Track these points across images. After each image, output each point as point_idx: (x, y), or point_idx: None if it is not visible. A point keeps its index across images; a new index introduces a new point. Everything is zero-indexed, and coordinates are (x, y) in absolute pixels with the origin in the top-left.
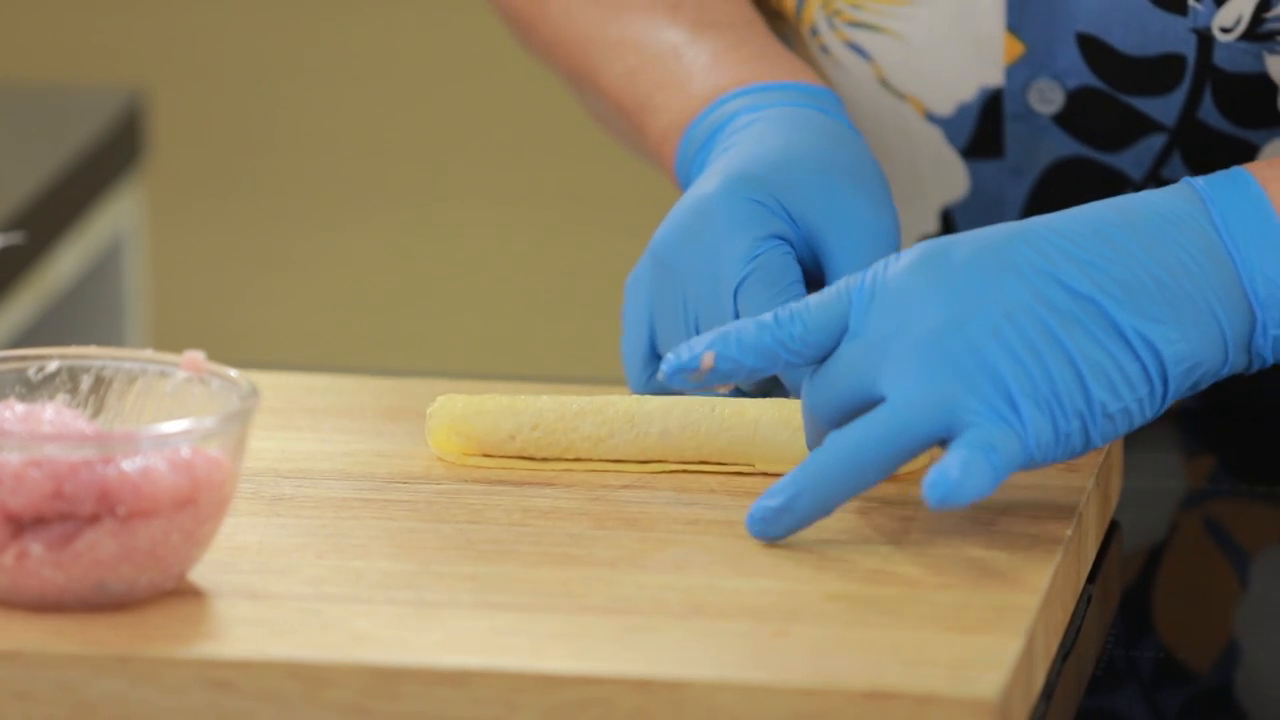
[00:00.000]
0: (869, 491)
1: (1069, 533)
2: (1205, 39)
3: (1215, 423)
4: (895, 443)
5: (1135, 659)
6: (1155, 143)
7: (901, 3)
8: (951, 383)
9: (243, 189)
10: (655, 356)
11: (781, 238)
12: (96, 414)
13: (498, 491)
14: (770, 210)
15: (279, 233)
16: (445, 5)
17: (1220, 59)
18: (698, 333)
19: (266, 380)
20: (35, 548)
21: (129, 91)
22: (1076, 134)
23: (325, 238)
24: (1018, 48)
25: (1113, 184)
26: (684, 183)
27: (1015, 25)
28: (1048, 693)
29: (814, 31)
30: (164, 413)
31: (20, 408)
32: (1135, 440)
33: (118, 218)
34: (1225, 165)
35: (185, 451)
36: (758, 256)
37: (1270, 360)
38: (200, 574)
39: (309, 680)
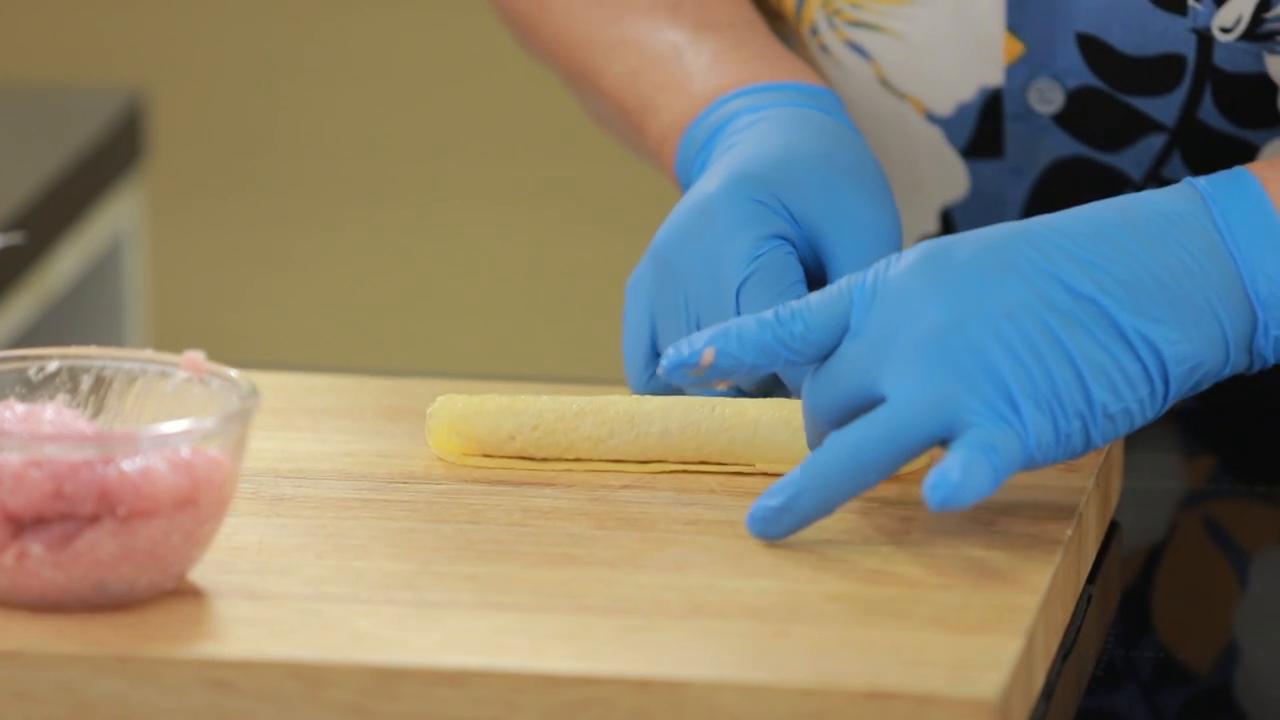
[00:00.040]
0: (869, 491)
1: (1069, 533)
2: (1205, 39)
3: (1215, 423)
4: (896, 443)
5: (1135, 659)
6: (1155, 143)
7: (901, 2)
8: (952, 383)
9: (243, 189)
10: (656, 357)
11: (783, 237)
12: (96, 414)
13: (498, 491)
14: (772, 210)
15: (279, 233)
16: (445, 5)
17: (1220, 59)
18: None
19: (266, 380)
20: (35, 548)
21: (129, 91)
22: (1076, 134)
23: (325, 238)
24: (1017, 47)
25: (1112, 184)
26: (684, 183)
27: (1015, 25)
28: (1048, 693)
29: (814, 31)
30: (164, 413)
31: (20, 408)
32: (1135, 440)
33: (118, 218)
34: (1225, 165)
35: (185, 451)
36: (760, 256)
37: (1272, 360)
38: (200, 574)
39: (309, 680)
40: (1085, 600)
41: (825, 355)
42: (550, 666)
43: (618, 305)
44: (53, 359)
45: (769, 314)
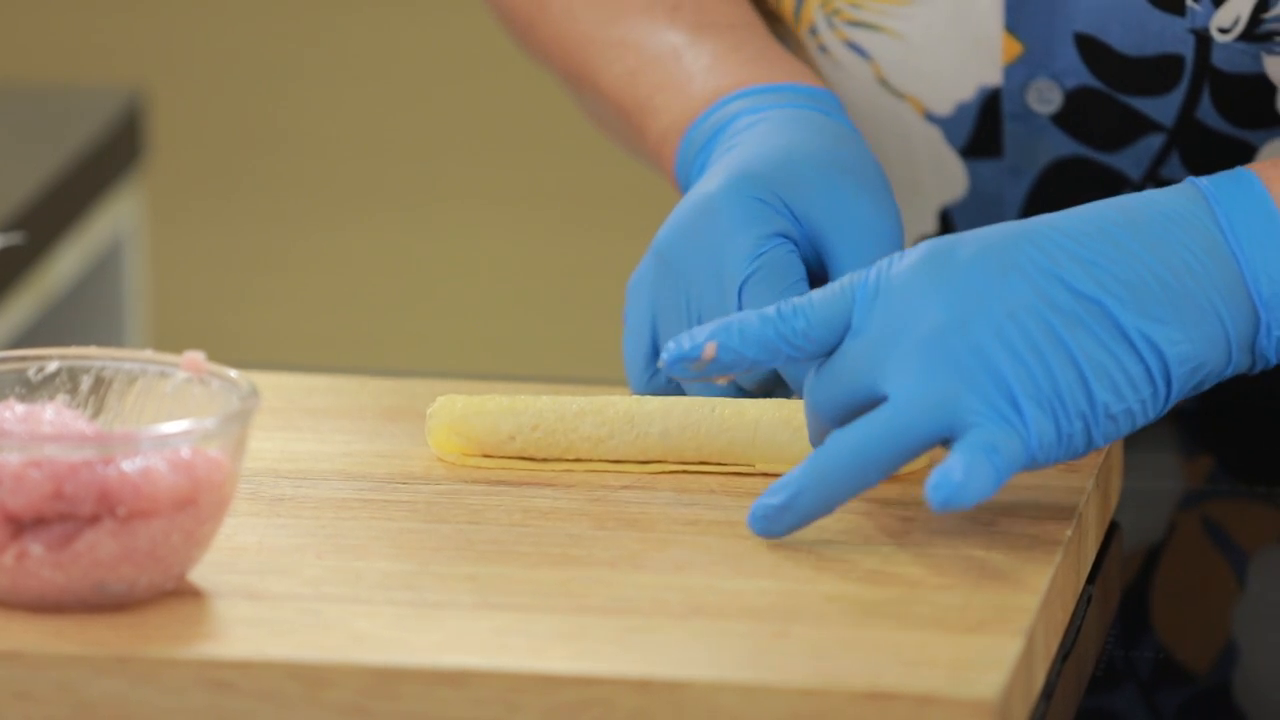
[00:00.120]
0: (870, 491)
1: (1069, 533)
2: (1203, 39)
3: (1214, 423)
4: (897, 442)
5: (1134, 659)
6: (1154, 143)
7: (900, 2)
8: (954, 383)
9: (243, 189)
10: (657, 357)
11: (785, 236)
12: (96, 414)
13: (498, 492)
14: (774, 209)
15: (279, 233)
16: (445, 5)
17: (1218, 59)
18: None
19: (266, 380)
20: (35, 548)
21: (129, 91)
22: (1075, 134)
23: (325, 238)
24: (1016, 48)
25: (1111, 184)
26: (683, 184)
27: (1014, 25)
28: (1047, 693)
29: (813, 31)
30: (164, 413)
31: (20, 408)
32: (1135, 440)
33: (118, 218)
34: (1224, 166)
35: (185, 452)
36: (762, 254)
37: (1274, 360)
38: (200, 574)
39: (309, 680)
40: (1085, 600)
41: (826, 352)
42: (550, 667)
43: (618, 305)
44: (53, 359)
45: (771, 309)
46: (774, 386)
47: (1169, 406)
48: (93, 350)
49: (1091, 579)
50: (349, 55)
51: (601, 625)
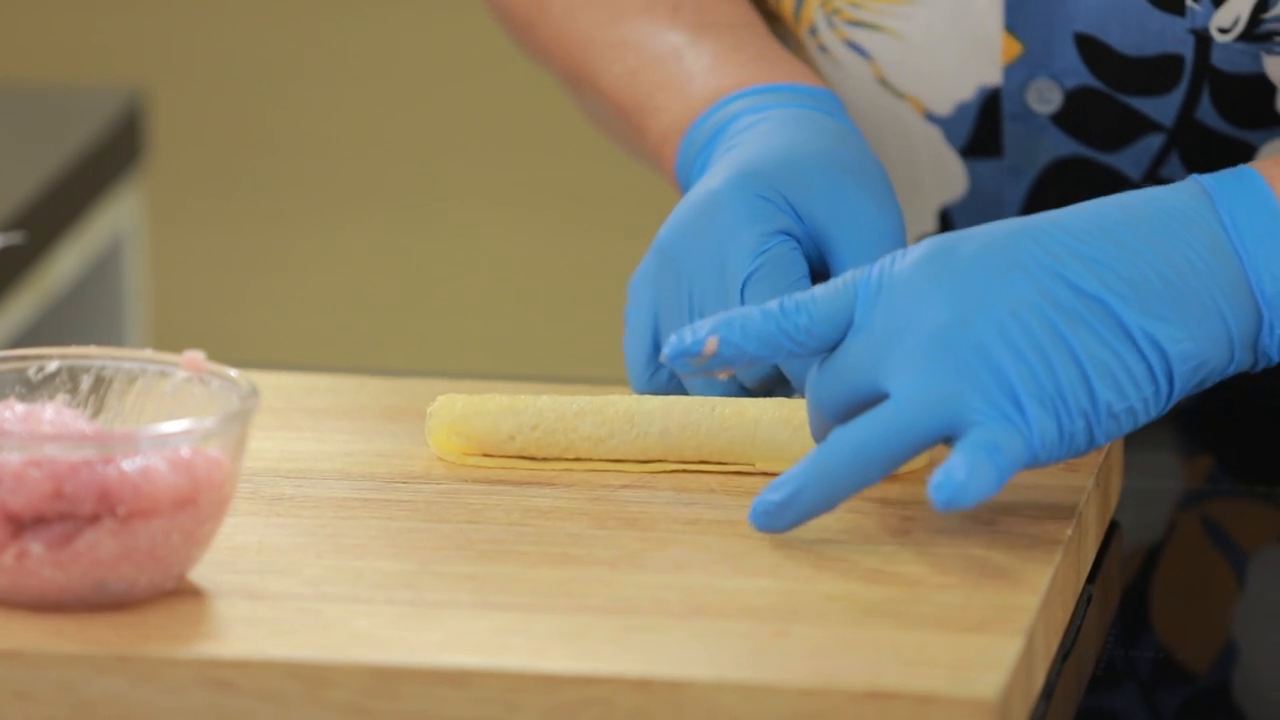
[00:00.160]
0: (869, 491)
1: (1069, 533)
2: (1203, 39)
3: (1213, 423)
4: (899, 441)
5: (1134, 659)
6: (1153, 143)
7: (900, 2)
8: (956, 381)
9: (243, 189)
10: (659, 356)
11: (788, 234)
12: (96, 414)
13: (498, 491)
14: (777, 206)
15: (279, 233)
16: (445, 5)
17: (1218, 59)
18: None
19: (266, 380)
20: (35, 547)
21: (129, 91)
22: (1075, 134)
23: (325, 238)
24: (1016, 47)
25: (1111, 184)
26: (683, 184)
27: (1013, 25)
28: (1047, 692)
29: (813, 31)
30: (164, 413)
31: (20, 408)
32: (1134, 440)
33: (118, 218)
34: (1223, 166)
35: (185, 451)
36: (765, 251)
37: (1276, 358)
38: (200, 574)
39: (309, 680)
40: (1085, 600)
41: (828, 348)
42: (550, 666)
43: (618, 305)
44: (53, 359)
45: (773, 304)
46: (776, 385)
47: (1171, 404)
48: (93, 350)
49: (1091, 578)
50: (349, 55)
51: (601, 625)
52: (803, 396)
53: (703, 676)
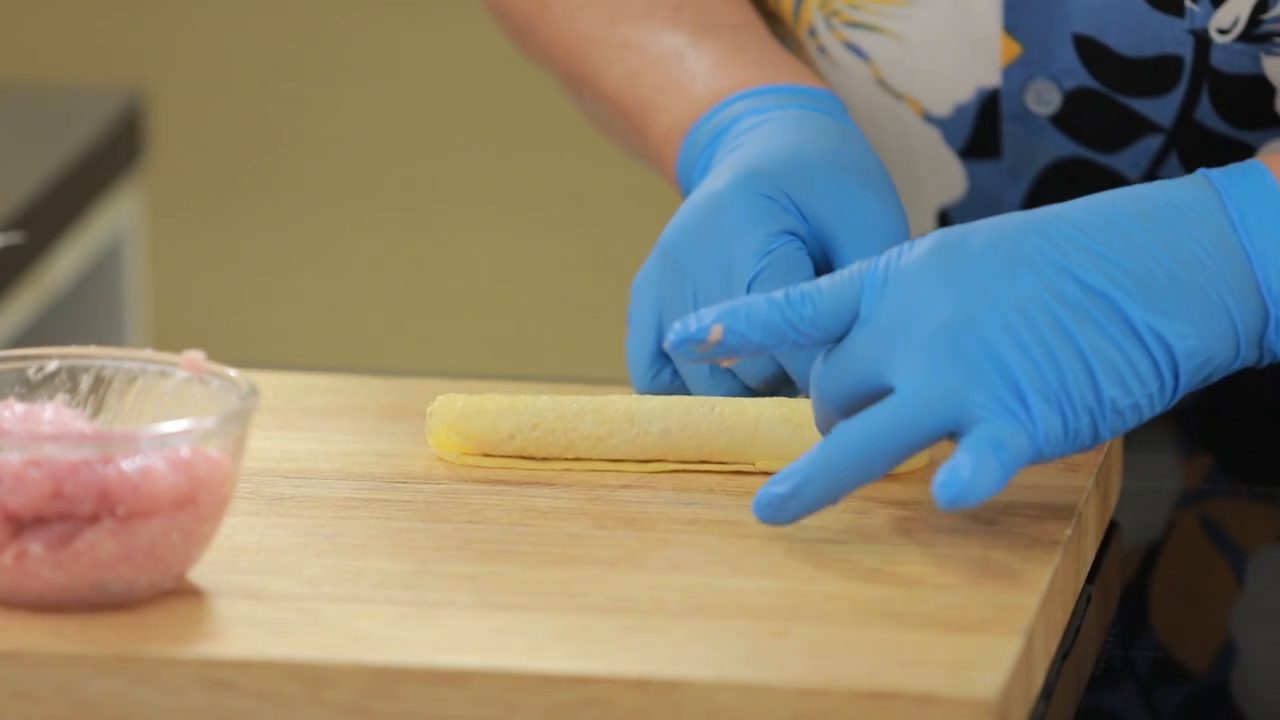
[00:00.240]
0: (869, 491)
1: (1068, 533)
2: (1202, 40)
3: (1212, 423)
4: (903, 435)
5: (1133, 658)
6: (1152, 144)
7: (899, 3)
8: (961, 377)
9: (243, 189)
10: (661, 357)
11: (793, 234)
12: (96, 414)
13: (497, 491)
14: (782, 207)
15: (279, 233)
16: (445, 6)
17: (1217, 60)
18: None
19: (266, 380)
20: (35, 548)
21: (129, 91)
22: (1074, 135)
23: (325, 238)
24: (1015, 49)
25: (1110, 185)
26: (684, 185)
27: (1012, 26)
28: (1047, 692)
29: (812, 32)
30: (164, 413)
31: (20, 408)
32: (1134, 440)
33: (118, 218)
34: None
35: (185, 451)
36: (771, 252)
37: None
38: (200, 574)
39: (309, 680)
40: (1084, 600)
41: (834, 340)
42: (549, 666)
43: (618, 305)
44: (52, 359)
45: (779, 294)
46: (779, 386)
47: (1176, 400)
48: (92, 350)
49: (1091, 578)
50: (349, 55)
51: (600, 625)
52: (806, 395)
53: (702, 676)
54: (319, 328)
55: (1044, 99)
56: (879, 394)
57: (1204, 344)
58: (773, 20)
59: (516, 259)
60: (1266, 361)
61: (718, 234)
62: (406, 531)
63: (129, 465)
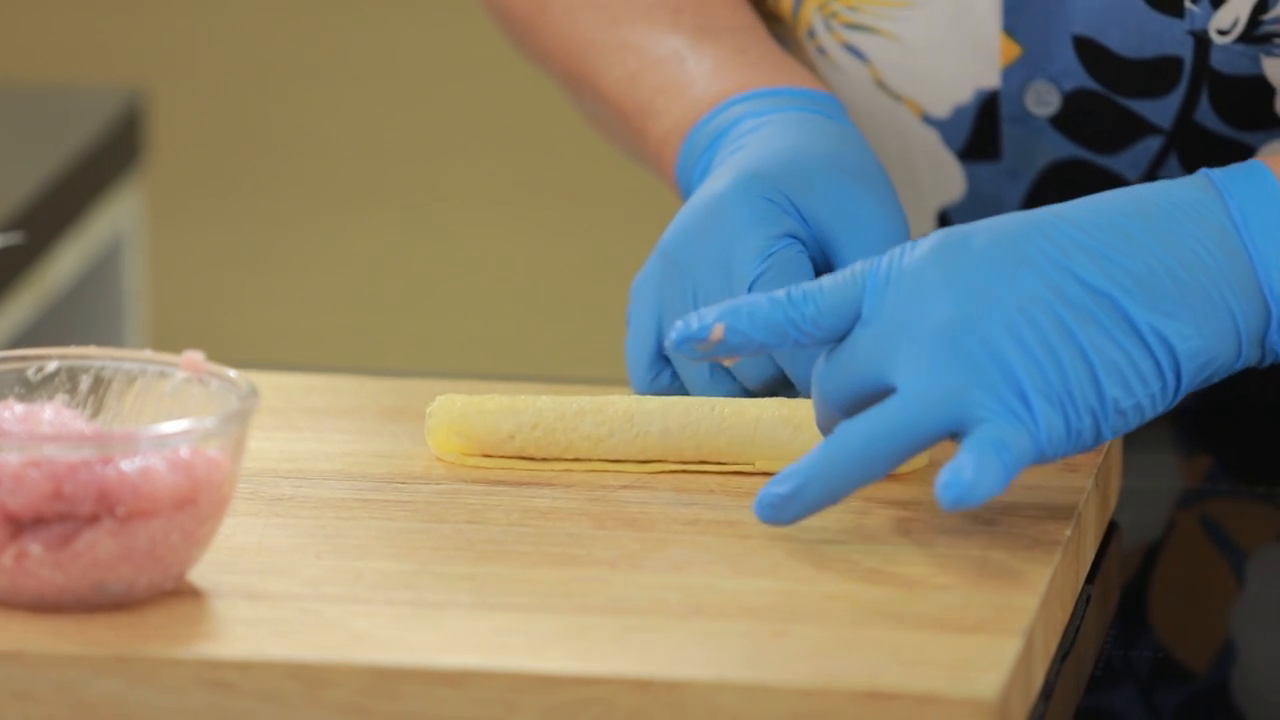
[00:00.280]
0: (869, 491)
1: (1068, 533)
2: (1202, 41)
3: (1212, 423)
4: (905, 436)
5: (1133, 658)
6: (1152, 145)
7: (898, 4)
8: (963, 378)
9: (243, 189)
10: (661, 358)
11: (794, 236)
12: (96, 414)
13: (497, 491)
14: (782, 209)
15: (279, 233)
16: (445, 6)
17: (1217, 61)
18: None
19: (266, 380)
20: (35, 548)
21: (129, 91)
22: (1073, 136)
23: (325, 238)
24: (1014, 50)
25: (1110, 186)
26: (684, 188)
27: (1011, 27)
28: (1047, 692)
29: (810, 33)
30: (163, 413)
31: (20, 408)
32: (1133, 440)
33: (118, 218)
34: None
35: (184, 452)
36: (772, 254)
37: None
38: (200, 574)
39: (309, 680)
40: (1084, 600)
41: (835, 339)
42: (549, 667)
43: (618, 305)
44: (52, 359)
45: (781, 293)
46: (778, 388)
47: (1178, 400)
48: (92, 350)
49: (1091, 578)
50: (349, 55)
51: (600, 625)
52: (806, 396)
53: (702, 677)
54: (319, 328)
55: (1043, 100)
56: (881, 394)
57: (1206, 344)
58: (772, 21)
59: (516, 259)
60: (1268, 361)
61: (718, 236)
62: (406, 532)
63: (129, 466)
